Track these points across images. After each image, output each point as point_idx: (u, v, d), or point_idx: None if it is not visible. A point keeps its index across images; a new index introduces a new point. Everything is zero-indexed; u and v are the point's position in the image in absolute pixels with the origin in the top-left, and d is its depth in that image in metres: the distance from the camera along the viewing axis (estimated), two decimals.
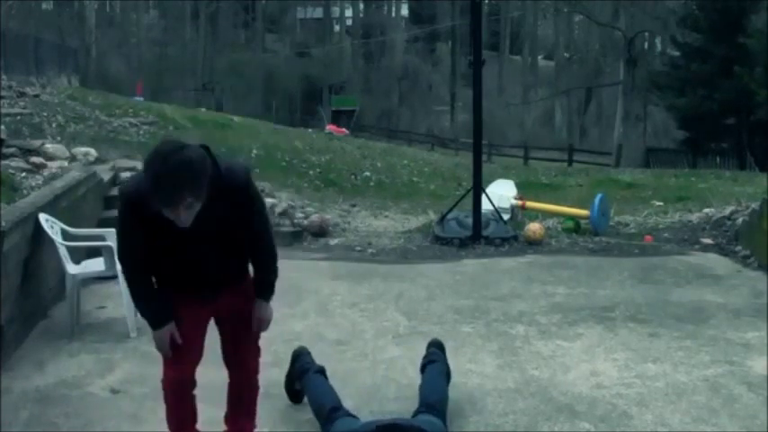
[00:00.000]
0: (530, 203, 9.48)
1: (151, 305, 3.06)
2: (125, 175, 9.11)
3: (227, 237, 3.01)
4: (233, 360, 3.27)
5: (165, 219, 2.75)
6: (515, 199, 9.39)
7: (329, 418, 3.53)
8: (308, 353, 4.05)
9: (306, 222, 8.62)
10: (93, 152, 10.08)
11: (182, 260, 2.98)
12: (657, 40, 41.16)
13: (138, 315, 4.60)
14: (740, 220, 8.24)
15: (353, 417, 3.59)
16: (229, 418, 3.37)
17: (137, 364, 4.54)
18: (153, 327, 3.06)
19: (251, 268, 3.23)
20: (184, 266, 3.01)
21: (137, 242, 2.94)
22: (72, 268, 5.21)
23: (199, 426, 3.33)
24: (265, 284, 3.20)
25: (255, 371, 3.32)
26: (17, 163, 8.43)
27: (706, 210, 9.70)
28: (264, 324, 3.23)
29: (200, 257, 2.99)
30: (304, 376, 3.86)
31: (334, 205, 11.26)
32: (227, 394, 3.35)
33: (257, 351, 3.32)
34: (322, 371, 3.90)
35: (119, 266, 5.06)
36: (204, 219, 2.81)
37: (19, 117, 11.78)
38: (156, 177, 2.63)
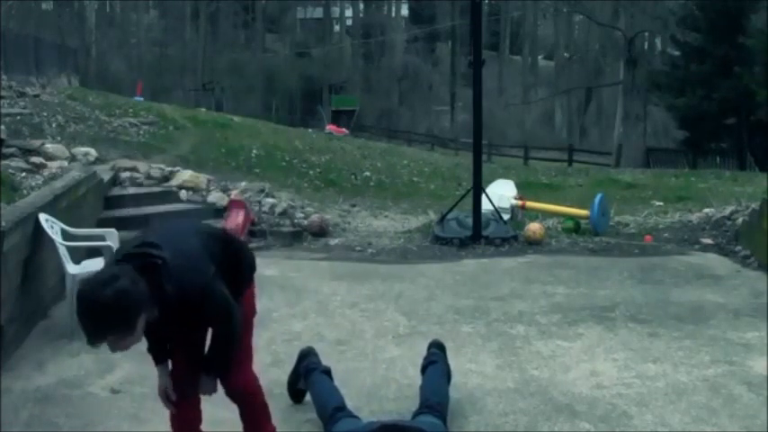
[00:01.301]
0: (530, 203, 9.48)
1: (153, 350, 3.13)
2: (125, 174, 9.12)
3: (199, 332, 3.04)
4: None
5: None
6: (515, 199, 9.39)
7: (332, 418, 3.53)
8: (316, 353, 4.06)
9: (306, 222, 8.62)
10: (93, 152, 10.09)
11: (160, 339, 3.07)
12: (657, 40, 41.12)
13: None
14: (740, 220, 8.24)
15: (356, 417, 3.60)
16: (245, 426, 3.37)
17: (137, 364, 4.52)
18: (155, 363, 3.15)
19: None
20: (163, 341, 3.10)
21: None
22: (72, 268, 5.20)
23: (203, 426, 3.33)
24: (213, 367, 3.12)
25: (251, 379, 3.28)
26: (17, 163, 8.44)
27: (706, 210, 9.70)
28: (203, 392, 3.18)
29: (179, 346, 3.09)
30: (310, 375, 3.86)
31: (334, 205, 11.25)
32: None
33: (248, 359, 3.26)
34: (328, 371, 3.91)
35: None
36: (167, 319, 2.80)
37: (19, 117, 11.76)
38: (77, 315, 2.61)
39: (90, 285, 2.59)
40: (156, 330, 2.89)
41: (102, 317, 2.54)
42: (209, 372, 3.10)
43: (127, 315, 2.58)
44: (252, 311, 3.27)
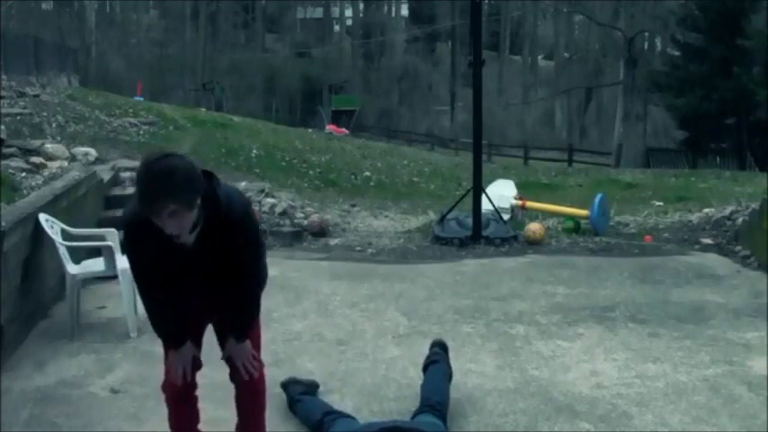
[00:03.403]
0: (530, 203, 9.47)
1: (170, 328, 3.07)
2: (125, 174, 9.11)
3: (225, 268, 2.95)
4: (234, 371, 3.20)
5: (165, 243, 2.72)
6: (515, 199, 9.38)
7: (324, 422, 3.51)
8: (297, 381, 4.01)
9: (306, 222, 8.61)
10: (93, 152, 10.09)
11: (183, 287, 2.99)
12: (657, 40, 41.22)
13: (138, 314, 4.61)
14: (740, 220, 8.23)
15: (351, 417, 3.59)
16: (239, 427, 3.35)
17: (137, 364, 4.54)
18: (173, 347, 3.08)
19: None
20: (185, 293, 3.01)
21: (148, 269, 2.94)
22: (72, 268, 5.20)
23: (201, 426, 3.33)
24: (239, 326, 3.08)
25: (259, 379, 3.23)
26: (17, 163, 8.43)
27: (706, 210, 9.69)
28: (242, 363, 3.10)
29: (201, 286, 3.01)
30: (293, 406, 3.84)
31: (334, 205, 11.25)
32: (235, 403, 3.30)
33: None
34: (307, 392, 3.92)
35: (119, 266, 5.09)
36: (201, 247, 2.80)
37: (19, 117, 11.78)
38: (140, 184, 2.62)
39: (156, 155, 2.65)
40: (181, 269, 2.87)
41: (172, 177, 2.57)
42: (235, 329, 3.06)
43: (188, 182, 2.61)
44: None
